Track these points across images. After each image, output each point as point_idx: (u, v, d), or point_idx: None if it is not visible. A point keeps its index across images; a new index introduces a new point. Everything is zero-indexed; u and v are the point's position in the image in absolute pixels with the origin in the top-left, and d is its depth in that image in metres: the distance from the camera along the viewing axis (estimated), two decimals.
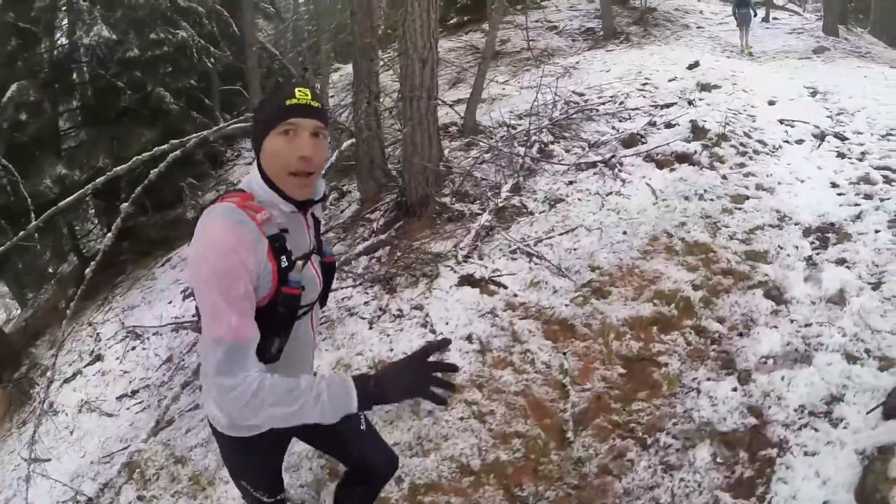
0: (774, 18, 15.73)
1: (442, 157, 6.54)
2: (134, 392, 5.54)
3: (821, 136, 6.28)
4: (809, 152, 6.00)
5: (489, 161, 6.78)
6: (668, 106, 7.52)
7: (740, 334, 3.87)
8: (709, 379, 3.59)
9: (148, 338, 6.38)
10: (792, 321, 3.90)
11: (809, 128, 6.45)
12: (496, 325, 4.28)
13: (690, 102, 7.38)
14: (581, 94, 8.68)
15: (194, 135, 6.80)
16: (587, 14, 15.58)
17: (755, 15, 13.32)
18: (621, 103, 7.96)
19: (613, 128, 7.12)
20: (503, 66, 12.63)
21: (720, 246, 4.62)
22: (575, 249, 4.99)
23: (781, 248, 4.56)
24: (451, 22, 16.45)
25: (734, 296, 4.18)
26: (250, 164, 11.76)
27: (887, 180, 5.22)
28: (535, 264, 4.87)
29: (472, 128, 7.93)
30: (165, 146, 6.33)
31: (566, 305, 4.37)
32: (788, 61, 10.40)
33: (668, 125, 6.71)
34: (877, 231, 4.53)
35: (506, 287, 4.67)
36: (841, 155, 5.86)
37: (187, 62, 12.08)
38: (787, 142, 6.24)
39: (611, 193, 5.62)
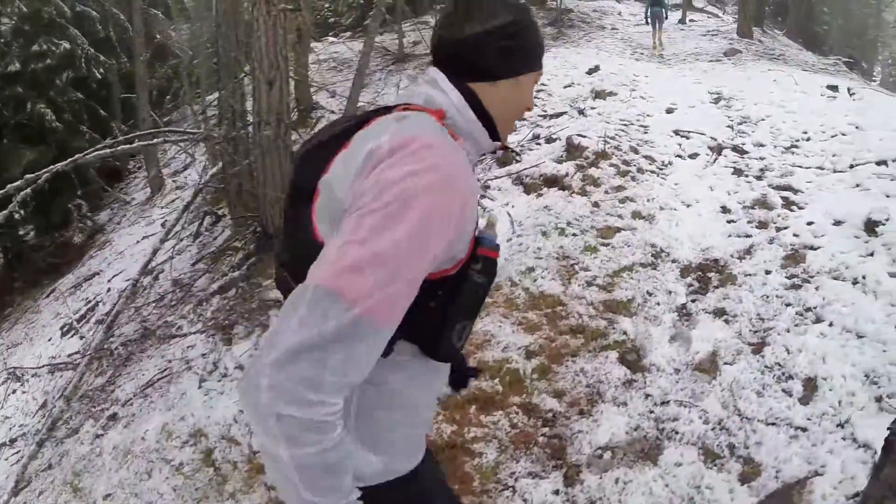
0: (691, 20, 14.93)
1: None
2: (12, 441, 4.74)
3: (718, 150, 5.29)
4: (703, 168, 5.00)
5: None
6: (557, 116, 6.54)
7: (581, 412, 2.90)
8: (530, 474, 2.64)
9: (27, 380, 5.58)
10: (647, 396, 2.94)
11: (706, 140, 5.46)
12: None
13: (581, 112, 6.39)
14: None
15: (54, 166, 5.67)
16: None
17: (667, 17, 12.53)
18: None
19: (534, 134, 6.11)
20: (410, 70, 11.54)
21: (573, 296, 3.58)
22: None
23: (650, 295, 3.53)
24: (366, 22, 15.25)
25: (581, 361, 3.18)
26: (186, 167, 10.57)
27: (787, 204, 4.25)
28: None
29: None
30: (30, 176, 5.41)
31: None
32: (698, 64, 9.48)
33: (549, 140, 5.68)
34: (767, 272, 3.54)
35: None
36: (738, 171, 4.88)
37: (76, 73, 10.91)
38: (679, 156, 5.25)
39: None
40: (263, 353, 0.82)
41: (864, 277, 3.28)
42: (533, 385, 3.09)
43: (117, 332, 5.55)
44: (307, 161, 1.06)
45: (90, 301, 7.04)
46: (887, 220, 3.65)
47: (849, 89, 6.88)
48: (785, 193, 4.38)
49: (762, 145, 5.34)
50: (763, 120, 5.92)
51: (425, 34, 13.02)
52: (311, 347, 0.82)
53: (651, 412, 2.85)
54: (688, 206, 4.42)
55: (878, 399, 2.62)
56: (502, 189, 5.00)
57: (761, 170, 4.85)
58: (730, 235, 3.95)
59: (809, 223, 3.90)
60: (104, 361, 5.16)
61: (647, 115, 6.14)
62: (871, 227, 3.68)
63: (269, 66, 5.08)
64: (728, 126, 5.86)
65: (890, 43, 28.19)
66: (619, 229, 4.10)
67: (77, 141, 9.95)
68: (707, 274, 3.65)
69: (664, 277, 3.64)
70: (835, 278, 3.37)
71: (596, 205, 4.42)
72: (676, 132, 5.69)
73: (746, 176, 4.78)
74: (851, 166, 4.63)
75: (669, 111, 6.39)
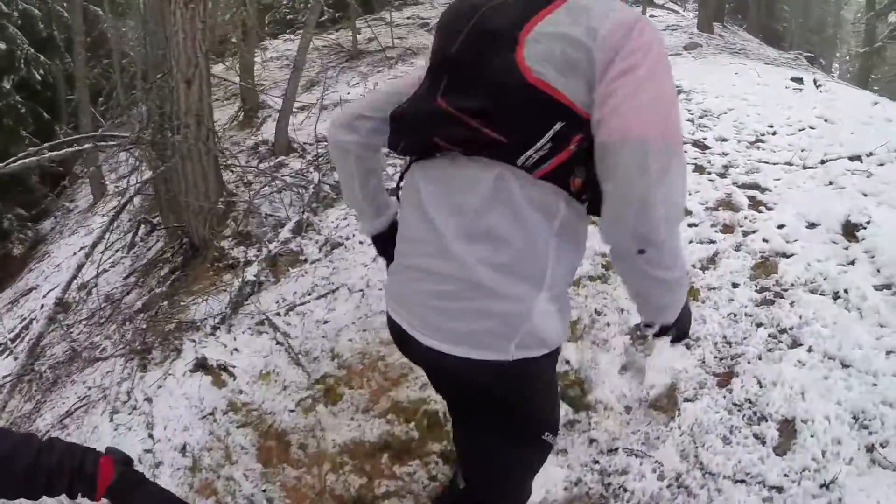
0: (651, 16, 14.47)
1: (223, 192, 5.31)
2: None
3: None
4: None
5: (286, 189, 5.47)
6: None
7: None
8: None
9: None
10: (591, 442, 2.39)
11: None
12: (213, 434, 3.02)
13: None
14: None
15: None
16: None
17: None
18: None
19: None
20: (364, 67, 10.88)
21: None
22: (326, 322, 3.50)
23: (599, 315, 2.96)
24: (324, 18, 14.53)
25: None
26: (133, 171, 9.52)
27: (754, 204, 3.71)
28: (279, 344, 3.48)
29: (284, 146, 6.58)
30: None
31: (290, 411, 2.97)
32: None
33: None
34: (734, 285, 2.98)
35: (235, 377, 3.32)
36: (699, 169, 4.33)
37: (15, 75, 10.15)
38: None
39: None
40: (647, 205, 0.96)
41: (846, 291, 2.74)
42: None
43: (49, 353, 5.03)
44: (498, 12, 1.08)
45: (25, 318, 6.43)
46: (868, 223, 3.12)
47: (815, 81, 6.39)
48: (752, 192, 3.84)
49: (725, 140, 4.81)
50: (725, 113, 5.39)
51: (379, 31, 12.40)
52: (679, 193, 1.01)
53: (596, 462, 2.29)
54: None
55: (870, 449, 2.07)
56: None
57: (725, 166, 4.31)
58: (691, 241, 3.38)
59: (780, 226, 3.35)
60: (33, 385, 4.63)
61: None
62: (850, 230, 3.15)
63: (186, 63, 4.68)
64: (688, 120, 5.31)
65: (847, 40, 28.28)
66: None
67: (17, 146, 9.28)
68: None
69: (616, 293, 3.06)
70: (812, 292, 2.82)
71: None
72: None
73: (709, 173, 4.23)
74: (823, 162, 4.11)
75: None
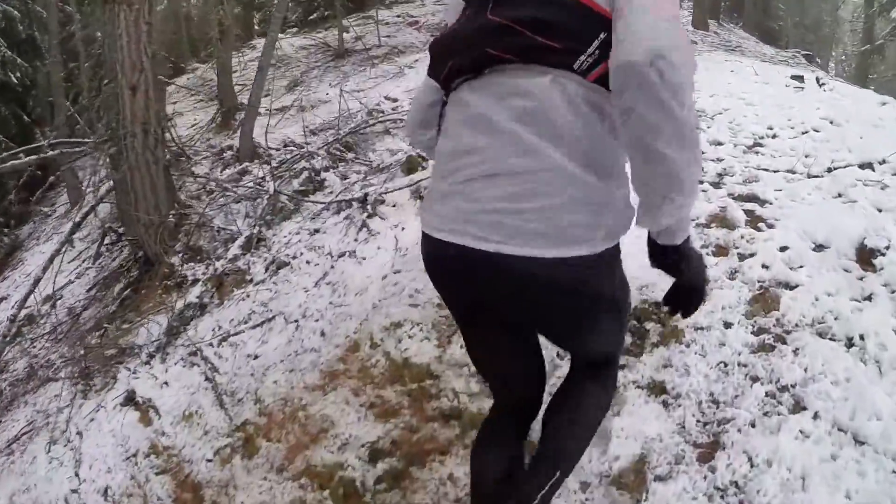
0: None
1: (174, 204, 5.04)
2: None
3: None
4: None
5: (242, 200, 5.13)
6: None
7: None
8: None
9: None
10: None
11: None
12: (134, 479, 2.79)
13: None
14: (394, 100, 6.56)
15: None
16: None
17: None
18: None
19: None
20: (348, 67, 10.32)
21: (451, 364, 2.49)
22: (256, 358, 3.06)
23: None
24: (313, 17, 14.01)
25: (452, 462, 2.15)
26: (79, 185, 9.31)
27: (752, 220, 3.13)
28: (207, 380, 3.11)
29: (249, 151, 6.11)
30: None
31: (208, 461, 2.59)
32: None
33: None
34: (727, 325, 2.40)
35: (160, 416, 3.10)
36: None
37: None
38: None
39: (343, 255, 3.46)
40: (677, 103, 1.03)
41: (861, 338, 2.16)
42: (378, 500, 1.96)
43: (12, 368, 4.78)
44: None
45: None
46: (888, 247, 2.54)
47: (818, 79, 5.79)
48: (750, 206, 3.26)
49: (720, 143, 4.23)
50: (720, 114, 4.81)
51: (367, 30, 11.83)
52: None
53: None
54: None
55: None
56: (398, 205, 3.84)
57: (720, 174, 3.73)
58: None
59: (783, 248, 2.77)
60: None
61: None
62: (865, 256, 2.57)
63: (131, 68, 4.40)
64: None
65: (844, 40, 27.58)
66: None
67: None
68: (644, 325, 2.51)
69: None
70: (820, 335, 2.24)
71: None
72: None
73: (701, 182, 3.66)
74: (830, 170, 3.53)
75: None
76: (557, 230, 1.09)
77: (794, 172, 3.61)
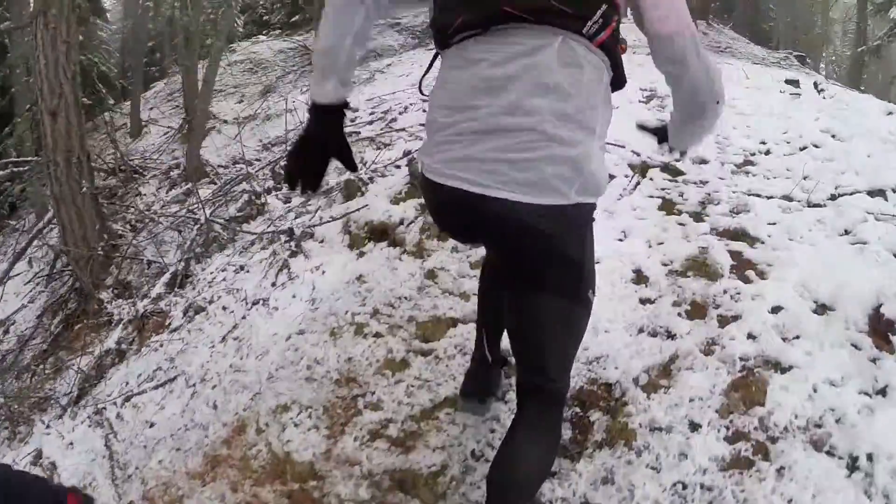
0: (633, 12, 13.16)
1: (104, 235, 4.59)
2: None
3: (642, 170, 3.51)
4: (616, 200, 3.20)
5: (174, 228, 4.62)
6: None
7: None
8: None
9: None
10: None
11: (627, 155, 3.64)
12: None
13: None
14: (354, 110, 5.88)
15: None
16: None
17: None
18: (393, 120, 5.22)
19: (363, 161, 4.35)
20: None
21: (340, 461, 1.88)
22: (151, 426, 2.49)
23: (477, 459, 1.75)
24: (294, 20, 13.34)
25: None
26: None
27: (739, 266, 2.47)
28: (106, 446, 2.55)
29: (195, 171, 5.56)
30: None
31: None
32: (633, 57, 7.36)
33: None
34: (693, 426, 1.73)
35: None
36: (668, 205, 3.10)
37: None
38: None
39: (258, 302, 2.87)
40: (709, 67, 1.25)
41: (869, 458, 1.52)
42: None
43: None
44: None
45: None
46: None
47: (816, 84, 5.10)
48: (737, 245, 2.59)
49: (704, 162, 3.56)
50: None
51: None
52: None
53: None
54: None
55: None
56: (326, 241, 3.19)
57: (702, 202, 3.07)
58: (640, 332, 2.16)
59: (775, 309, 2.12)
60: None
61: None
62: (881, 327, 1.92)
63: (49, 93, 3.98)
64: None
65: (834, 40, 26.77)
66: (454, 322, 2.30)
67: None
68: (589, 416, 1.86)
69: (509, 423, 1.85)
70: (816, 447, 1.60)
71: (432, 274, 2.61)
72: None
73: (679, 213, 3.00)
74: (834, 197, 2.88)
75: None
76: (540, 181, 1.14)
77: (791, 200, 2.96)
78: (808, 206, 2.86)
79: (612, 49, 1.20)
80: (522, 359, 1.39)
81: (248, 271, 3.36)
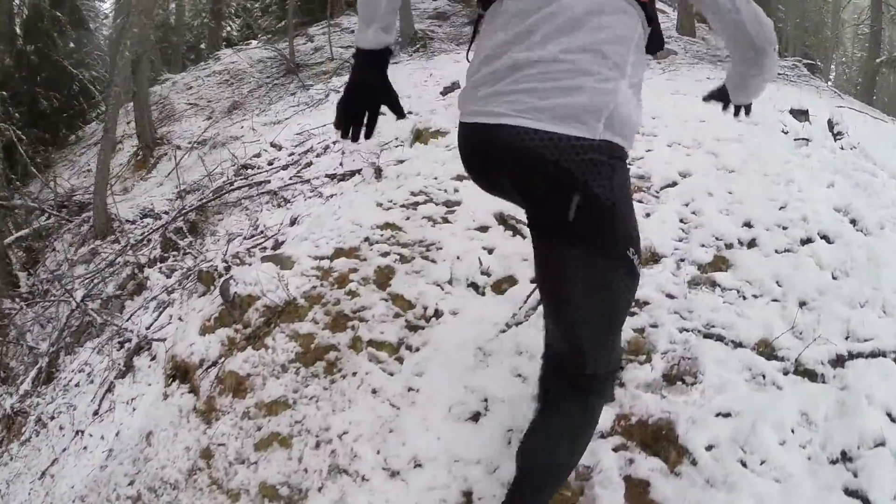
0: None
1: None
2: None
3: None
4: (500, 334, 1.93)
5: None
6: (353, 174, 3.55)
7: None
8: None
9: None
10: None
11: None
12: None
13: (379, 173, 3.34)
14: (279, 148, 4.74)
15: None
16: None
17: None
18: (307, 165, 4.09)
19: (255, 226, 3.28)
20: (293, 84, 8.44)
21: None
22: None
23: None
24: (281, 25, 12.07)
25: None
26: None
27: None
28: None
29: (103, 227, 4.54)
30: None
31: None
32: None
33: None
34: None
35: None
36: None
37: None
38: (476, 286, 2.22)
39: (80, 433, 2.37)
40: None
41: None
42: None
43: None
44: None
45: None
46: None
47: (831, 124, 3.58)
48: (643, 471, 1.33)
49: (659, 258, 2.27)
50: (674, 185, 2.82)
51: (333, 38, 9.90)
52: None
53: None
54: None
55: None
56: (156, 358, 2.39)
57: (628, 355, 1.80)
58: None
59: None
60: None
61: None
62: None
63: None
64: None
65: (844, 42, 24.52)
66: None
67: None
68: None
69: None
70: None
71: (208, 453, 1.66)
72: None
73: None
74: (840, 360, 1.58)
75: None
76: (563, 109, 1.02)
77: (772, 355, 1.65)
78: (797, 374, 1.56)
79: (647, 4, 1.09)
80: (555, 327, 1.16)
81: (91, 381, 2.71)
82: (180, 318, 2.77)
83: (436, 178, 3.00)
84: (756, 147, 3.15)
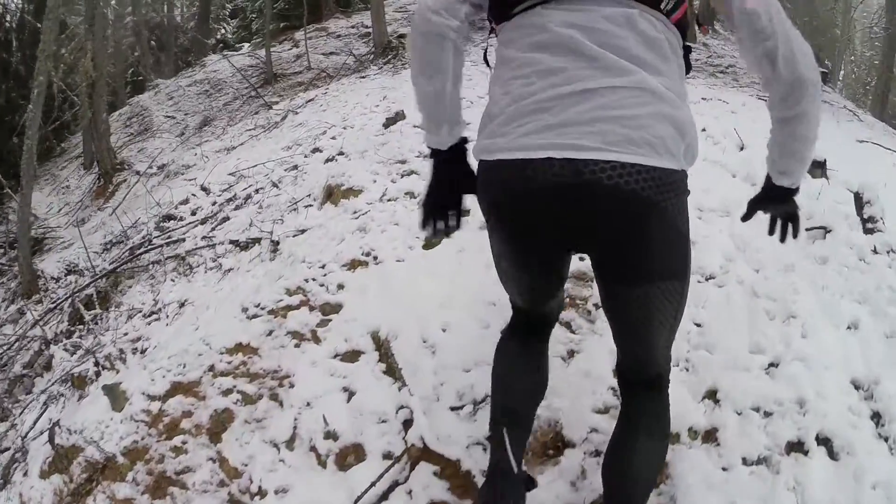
0: None
1: None
2: None
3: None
4: None
5: None
6: (256, 242, 2.79)
7: None
8: None
9: None
10: None
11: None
12: None
13: (276, 247, 2.57)
14: (207, 192, 3.96)
15: None
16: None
17: None
18: (224, 220, 3.41)
19: (155, 301, 2.80)
20: (268, 96, 7.64)
21: None
22: None
23: None
24: (271, 29, 11.16)
25: None
26: None
27: None
28: None
29: (28, 284, 3.91)
30: None
31: None
32: None
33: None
34: None
35: None
36: None
37: None
38: None
39: None
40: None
41: None
42: None
43: None
44: None
45: None
46: None
47: (859, 198, 2.30)
48: None
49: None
50: None
51: (318, 43, 9.06)
52: None
53: None
54: None
55: None
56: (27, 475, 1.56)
57: None
58: None
59: None
60: None
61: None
62: None
63: None
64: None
65: (854, 40, 23.00)
66: None
67: None
68: None
69: None
70: None
71: None
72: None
73: None
74: None
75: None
76: (655, 140, 0.90)
77: None
78: None
79: (684, 30, 1.01)
80: (627, 353, 1.13)
81: None
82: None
83: (323, 267, 2.27)
84: (747, 239, 2.26)
